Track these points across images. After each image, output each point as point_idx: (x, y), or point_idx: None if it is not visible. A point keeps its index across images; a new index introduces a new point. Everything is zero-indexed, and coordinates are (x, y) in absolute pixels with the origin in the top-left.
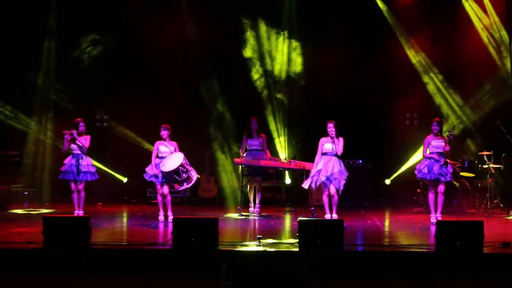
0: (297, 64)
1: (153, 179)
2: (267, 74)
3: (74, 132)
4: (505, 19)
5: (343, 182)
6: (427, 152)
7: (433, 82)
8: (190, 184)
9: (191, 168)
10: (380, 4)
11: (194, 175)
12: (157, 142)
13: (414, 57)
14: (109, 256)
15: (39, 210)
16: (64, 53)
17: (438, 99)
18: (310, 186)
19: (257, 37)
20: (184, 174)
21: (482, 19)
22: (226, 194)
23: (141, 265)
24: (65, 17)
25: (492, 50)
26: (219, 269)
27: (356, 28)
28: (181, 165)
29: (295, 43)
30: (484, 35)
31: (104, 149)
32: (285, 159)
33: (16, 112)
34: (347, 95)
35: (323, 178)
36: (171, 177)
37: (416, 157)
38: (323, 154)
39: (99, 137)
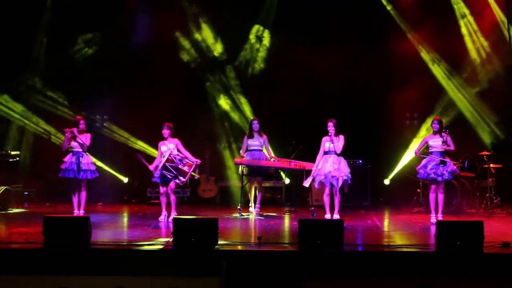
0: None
1: (157, 180)
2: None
3: (75, 130)
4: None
5: (341, 179)
6: (421, 151)
7: (439, 73)
8: (187, 177)
9: (194, 159)
10: (385, 2)
11: (192, 165)
12: (160, 143)
13: (420, 50)
14: (109, 256)
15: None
16: (63, 53)
17: (447, 87)
18: (311, 184)
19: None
20: (176, 168)
21: (470, 21)
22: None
23: (141, 265)
24: (63, 16)
25: (474, 52)
26: (219, 269)
27: (355, 27)
28: (168, 161)
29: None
30: (468, 37)
31: (105, 149)
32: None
33: (16, 111)
34: (347, 94)
35: (321, 177)
36: (166, 175)
37: (412, 155)
38: (325, 153)
39: (99, 137)
